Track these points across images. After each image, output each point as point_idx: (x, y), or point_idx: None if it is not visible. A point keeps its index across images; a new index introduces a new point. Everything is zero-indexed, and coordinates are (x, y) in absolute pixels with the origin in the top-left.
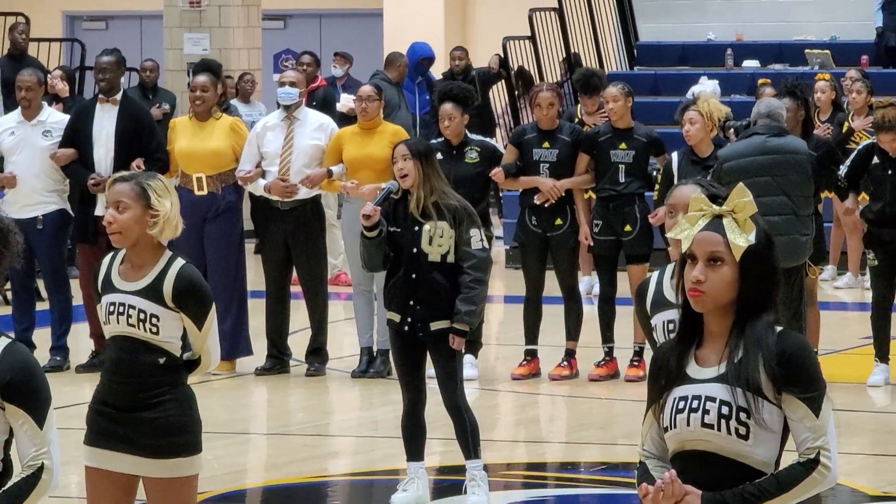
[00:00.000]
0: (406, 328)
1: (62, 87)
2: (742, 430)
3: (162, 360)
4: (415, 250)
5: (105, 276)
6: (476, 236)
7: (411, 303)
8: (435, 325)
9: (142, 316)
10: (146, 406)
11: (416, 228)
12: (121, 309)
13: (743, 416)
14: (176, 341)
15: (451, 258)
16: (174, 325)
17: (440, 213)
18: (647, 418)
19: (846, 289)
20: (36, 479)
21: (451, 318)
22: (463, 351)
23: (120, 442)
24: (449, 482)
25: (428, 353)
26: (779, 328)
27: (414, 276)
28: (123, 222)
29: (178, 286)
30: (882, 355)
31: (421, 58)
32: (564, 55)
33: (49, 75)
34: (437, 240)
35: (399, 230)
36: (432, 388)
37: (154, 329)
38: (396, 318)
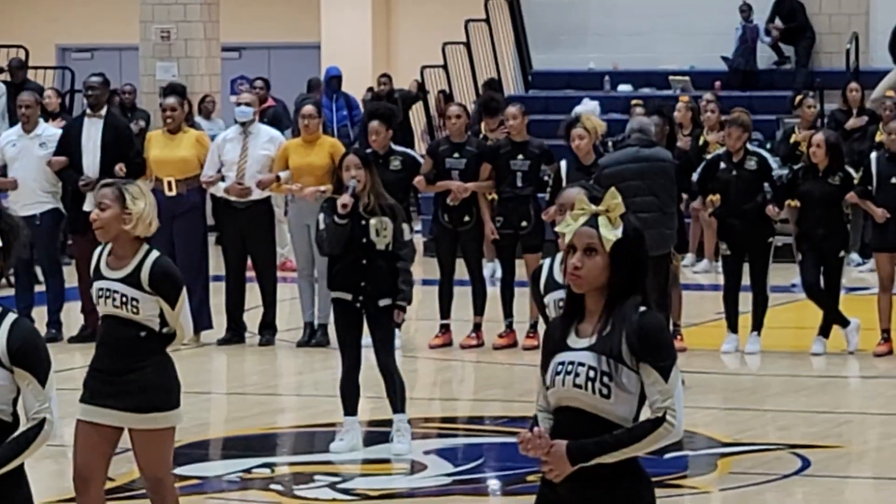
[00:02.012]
0: (358, 304)
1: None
2: (605, 391)
3: (143, 334)
4: (364, 240)
5: (96, 265)
6: (406, 230)
7: (362, 284)
8: (382, 302)
9: (124, 299)
10: (130, 370)
11: (364, 223)
12: (107, 293)
13: (605, 379)
14: (154, 318)
15: (390, 247)
16: (151, 306)
17: (383, 211)
18: (540, 379)
19: (703, 273)
20: (39, 429)
21: (394, 297)
22: (399, 322)
23: (108, 399)
24: (377, 433)
25: (367, 325)
26: (643, 308)
27: (364, 261)
28: (104, 219)
29: (153, 274)
30: (732, 327)
31: (331, 77)
32: (472, 80)
33: (44, 94)
34: (382, 232)
35: (351, 224)
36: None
37: (135, 310)
38: (347, 296)
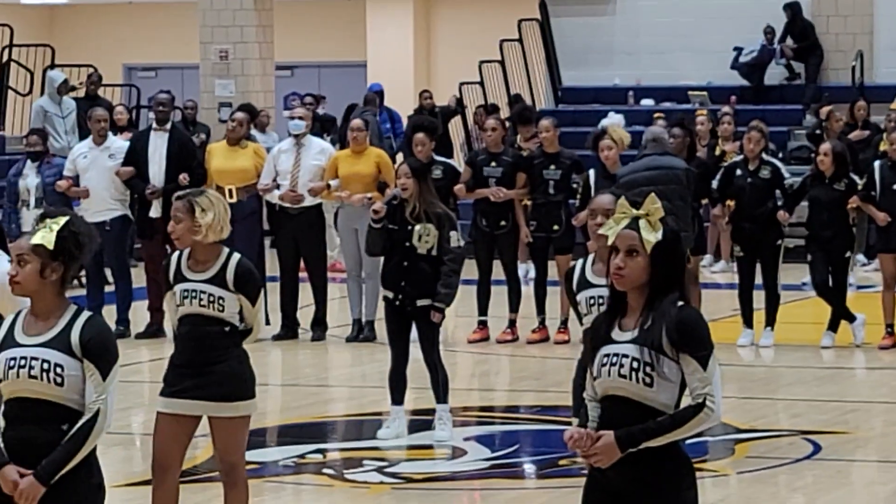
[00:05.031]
0: (398, 303)
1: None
2: (647, 380)
3: (227, 329)
4: (407, 244)
5: (175, 269)
6: (454, 237)
7: (403, 284)
8: (420, 302)
9: (211, 298)
10: (214, 361)
11: (409, 228)
12: (193, 294)
13: (648, 369)
14: (236, 315)
15: (434, 252)
16: (234, 303)
17: (428, 218)
18: (588, 370)
19: (720, 273)
20: (93, 422)
21: (433, 298)
22: (441, 321)
23: (192, 391)
24: (421, 421)
25: (413, 322)
26: (681, 303)
27: (405, 263)
28: (178, 231)
29: (238, 274)
30: (748, 323)
31: (373, 92)
32: (507, 96)
33: (114, 110)
34: (424, 237)
35: (397, 228)
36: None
37: (221, 308)
38: (391, 294)
